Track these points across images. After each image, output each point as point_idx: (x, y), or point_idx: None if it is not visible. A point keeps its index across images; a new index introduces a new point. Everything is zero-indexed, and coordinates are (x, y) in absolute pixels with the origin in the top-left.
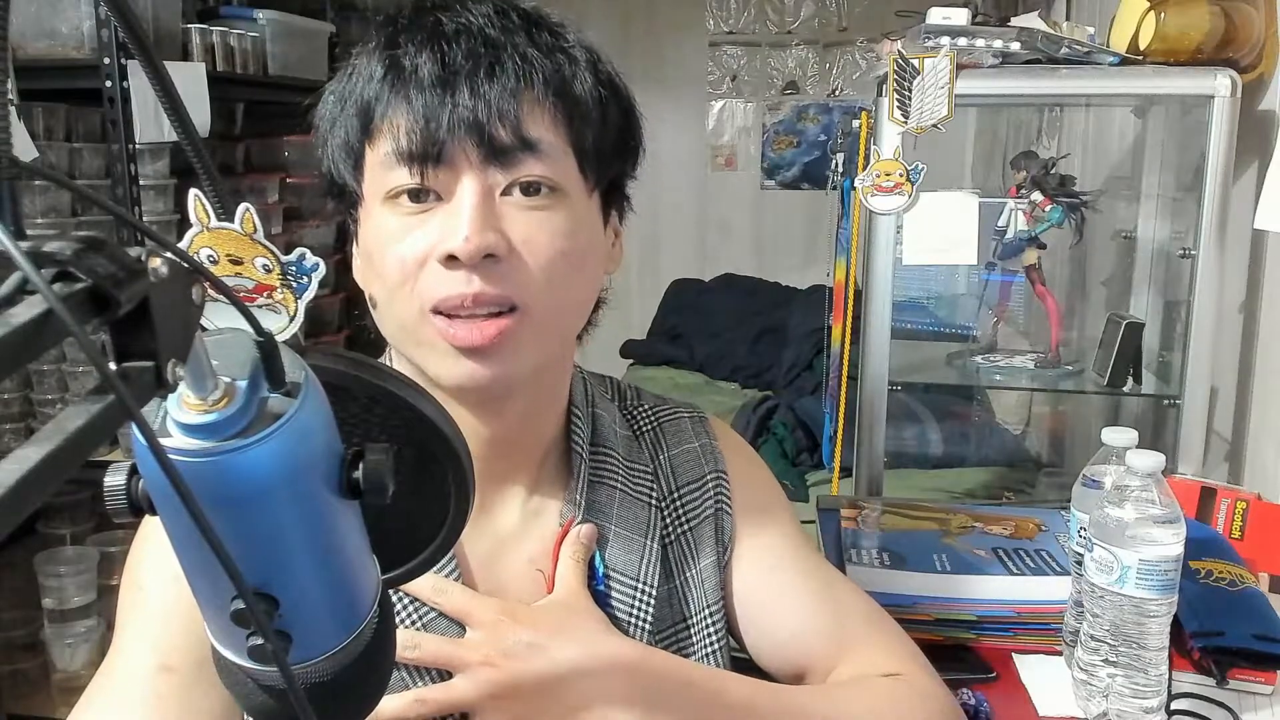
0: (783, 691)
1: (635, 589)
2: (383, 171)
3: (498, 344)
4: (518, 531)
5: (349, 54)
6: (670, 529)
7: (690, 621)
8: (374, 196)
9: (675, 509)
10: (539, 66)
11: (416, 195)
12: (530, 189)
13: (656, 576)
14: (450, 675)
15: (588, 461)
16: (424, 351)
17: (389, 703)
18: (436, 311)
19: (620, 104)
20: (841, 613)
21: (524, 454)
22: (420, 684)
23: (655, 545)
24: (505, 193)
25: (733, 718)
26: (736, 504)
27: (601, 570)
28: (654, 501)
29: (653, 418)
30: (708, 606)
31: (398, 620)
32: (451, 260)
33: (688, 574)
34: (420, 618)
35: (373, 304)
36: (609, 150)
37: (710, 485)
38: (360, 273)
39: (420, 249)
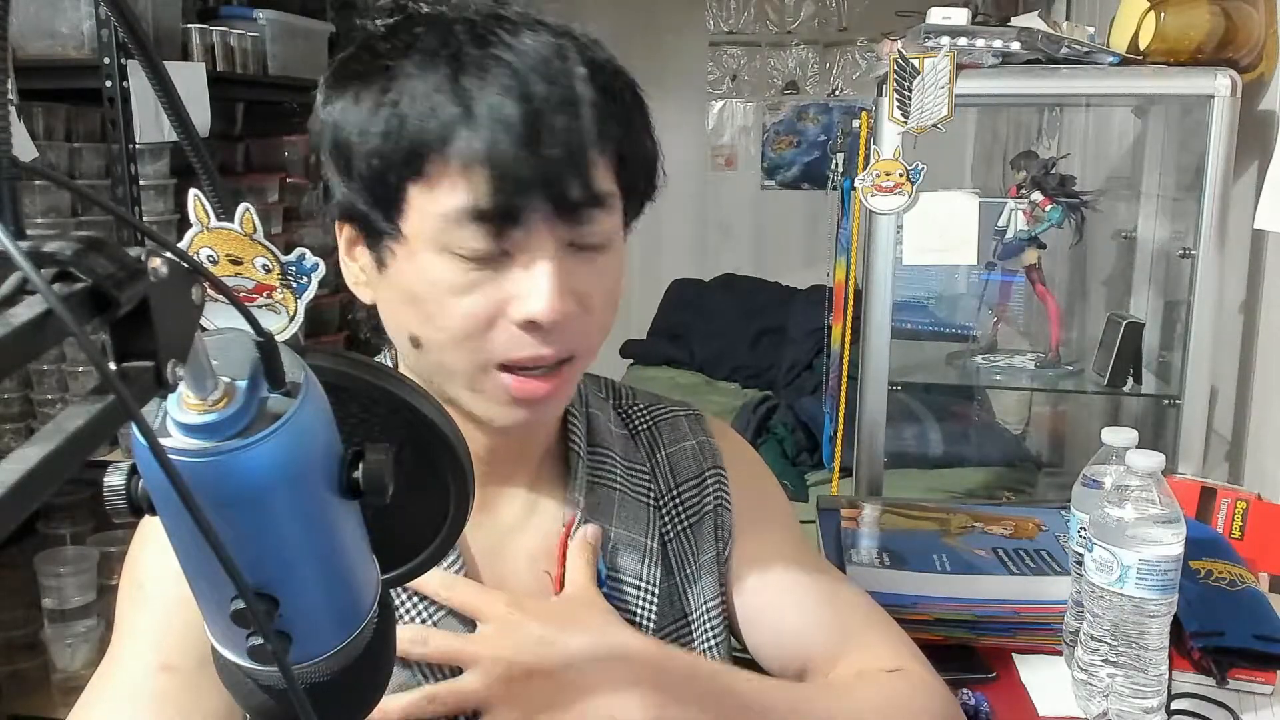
0: (789, 685)
1: (638, 588)
2: (443, 223)
3: (554, 394)
4: (518, 526)
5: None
6: (669, 527)
7: (690, 618)
8: (423, 240)
9: (674, 507)
10: (605, 112)
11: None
12: (592, 241)
13: (658, 575)
14: (460, 673)
15: (586, 461)
16: (475, 397)
17: (399, 700)
18: (503, 367)
19: (652, 137)
20: (841, 610)
21: (522, 457)
22: (430, 681)
23: (655, 544)
24: (569, 244)
25: (743, 710)
26: (736, 500)
27: (604, 572)
28: (652, 501)
29: (648, 417)
30: (707, 603)
31: (408, 618)
32: (531, 324)
33: (687, 571)
34: (430, 616)
35: (415, 343)
36: (646, 190)
37: (709, 482)
38: (391, 307)
39: (490, 307)
